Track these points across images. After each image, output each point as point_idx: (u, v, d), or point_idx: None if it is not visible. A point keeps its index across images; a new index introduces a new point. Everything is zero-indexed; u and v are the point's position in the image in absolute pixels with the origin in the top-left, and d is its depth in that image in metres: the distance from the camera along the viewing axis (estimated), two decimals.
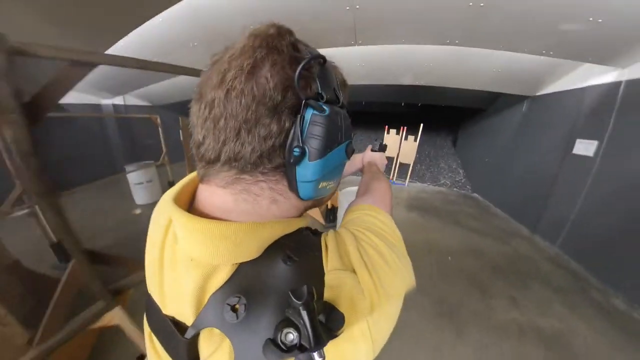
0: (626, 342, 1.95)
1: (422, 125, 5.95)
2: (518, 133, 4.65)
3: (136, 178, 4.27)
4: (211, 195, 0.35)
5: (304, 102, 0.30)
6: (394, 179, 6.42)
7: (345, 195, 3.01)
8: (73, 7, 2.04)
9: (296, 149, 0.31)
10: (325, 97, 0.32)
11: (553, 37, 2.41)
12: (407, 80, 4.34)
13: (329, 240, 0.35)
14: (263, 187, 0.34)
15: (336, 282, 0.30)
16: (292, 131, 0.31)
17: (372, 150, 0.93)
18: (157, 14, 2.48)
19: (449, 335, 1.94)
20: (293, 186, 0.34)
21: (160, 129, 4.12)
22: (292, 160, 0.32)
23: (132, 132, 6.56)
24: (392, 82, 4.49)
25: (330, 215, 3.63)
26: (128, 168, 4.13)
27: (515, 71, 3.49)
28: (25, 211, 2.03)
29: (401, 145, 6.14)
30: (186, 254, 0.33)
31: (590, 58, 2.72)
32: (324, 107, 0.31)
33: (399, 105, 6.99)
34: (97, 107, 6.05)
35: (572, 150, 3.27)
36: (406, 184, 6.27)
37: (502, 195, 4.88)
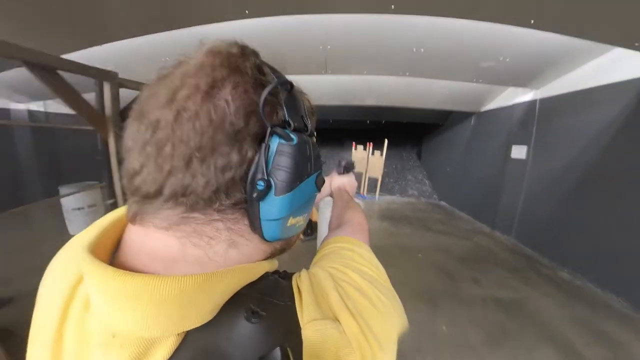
0: (568, 301, 2.43)
1: (386, 140, 6.56)
2: (469, 143, 5.39)
3: (74, 203, 3.54)
4: (148, 240, 0.27)
5: (269, 129, 0.26)
6: (365, 194, 6.82)
7: (327, 204, 2.94)
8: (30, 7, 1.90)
9: (260, 182, 0.26)
10: (292, 124, 0.28)
11: (478, 70, 3.09)
12: (370, 101, 4.92)
13: (301, 283, 0.30)
14: (219, 227, 0.28)
15: (317, 337, 0.25)
16: (255, 162, 0.26)
17: (339, 173, 0.85)
18: (121, 39, 2.44)
19: (427, 311, 2.26)
20: (256, 225, 0.28)
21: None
22: (255, 195, 0.26)
23: (65, 146, 5.50)
24: (358, 103, 5.06)
25: (309, 228, 3.48)
26: (63, 190, 3.51)
27: (460, 93, 4.20)
28: None
29: (369, 160, 6.67)
30: (105, 328, 0.25)
31: (511, 83, 3.45)
32: (292, 136, 0.27)
33: (364, 123, 7.60)
34: (4, 112, 4.85)
35: (510, 154, 3.94)
36: (376, 198, 6.72)
37: (464, 200, 5.49)
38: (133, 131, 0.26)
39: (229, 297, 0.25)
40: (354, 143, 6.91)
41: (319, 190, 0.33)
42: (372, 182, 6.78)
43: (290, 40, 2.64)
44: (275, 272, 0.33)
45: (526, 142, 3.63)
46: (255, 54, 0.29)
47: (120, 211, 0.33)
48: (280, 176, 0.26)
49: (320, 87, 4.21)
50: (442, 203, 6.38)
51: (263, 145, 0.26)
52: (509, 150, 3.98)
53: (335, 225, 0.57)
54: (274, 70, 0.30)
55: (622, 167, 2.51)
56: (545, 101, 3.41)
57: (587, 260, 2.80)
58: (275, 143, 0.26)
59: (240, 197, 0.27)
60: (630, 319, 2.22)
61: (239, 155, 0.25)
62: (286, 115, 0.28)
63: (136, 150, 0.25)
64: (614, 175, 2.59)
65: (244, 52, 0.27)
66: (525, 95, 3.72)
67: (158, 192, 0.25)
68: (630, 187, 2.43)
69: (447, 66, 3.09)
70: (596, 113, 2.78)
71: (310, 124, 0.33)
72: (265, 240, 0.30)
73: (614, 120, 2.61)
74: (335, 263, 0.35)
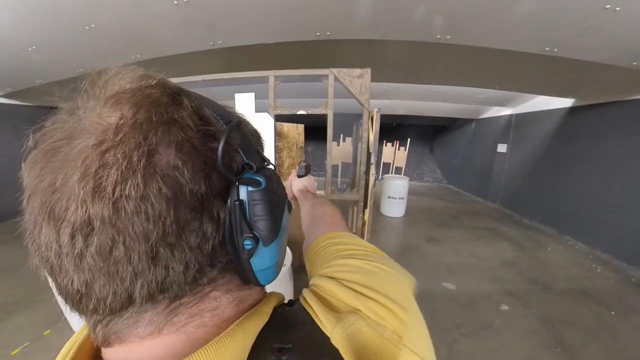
0: (525, 234, 4.49)
1: (409, 139, 8.60)
2: (471, 142, 7.42)
3: None
4: (140, 352, 0.22)
5: (236, 182, 0.22)
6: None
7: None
8: None
9: (247, 242, 0.23)
10: (254, 166, 0.24)
11: (471, 99, 5.12)
12: (401, 111, 6.95)
13: (309, 299, 0.28)
14: (217, 296, 0.24)
15: (347, 336, 0.24)
16: (230, 221, 0.22)
17: (298, 176, 0.84)
18: None
19: (445, 231, 4.38)
20: (251, 279, 0.25)
21: None
22: (245, 256, 0.23)
23: None
24: (391, 112, 7.09)
25: None
26: None
27: (464, 107, 6.22)
28: None
29: (395, 154, 8.72)
30: None
31: (495, 105, 5.47)
32: (258, 179, 0.24)
33: (391, 125, 9.69)
34: None
35: (497, 149, 5.97)
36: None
37: (466, 183, 7.56)
38: (47, 241, 0.19)
39: (250, 348, 0.22)
40: (384, 141, 8.96)
41: (290, 211, 0.31)
42: (398, 170, 8.87)
43: None
44: (282, 304, 0.30)
45: (507, 142, 5.68)
46: (186, 92, 0.23)
47: (77, 339, 0.25)
48: (263, 226, 0.24)
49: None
50: (450, 186, 8.45)
51: (233, 202, 0.22)
52: (496, 146, 6.02)
53: (309, 224, 0.58)
54: (214, 108, 0.25)
55: (558, 154, 4.54)
56: (518, 116, 5.46)
57: (536, 211, 4.87)
58: (244, 193, 0.23)
59: (226, 259, 0.24)
60: (553, 238, 4.28)
61: (211, 223, 0.22)
62: (244, 158, 0.24)
63: (67, 267, 0.19)
64: (554, 160, 4.61)
65: (174, 97, 0.21)
66: (506, 111, 5.76)
67: (126, 303, 0.20)
68: (562, 168, 4.46)
69: (448, 97, 5.14)
70: (544, 124, 4.80)
71: (262, 149, 0.29)
72: (263, 285, 0.28)
73: (552, 128, 4.63)
74: (325, 265, 0.35)
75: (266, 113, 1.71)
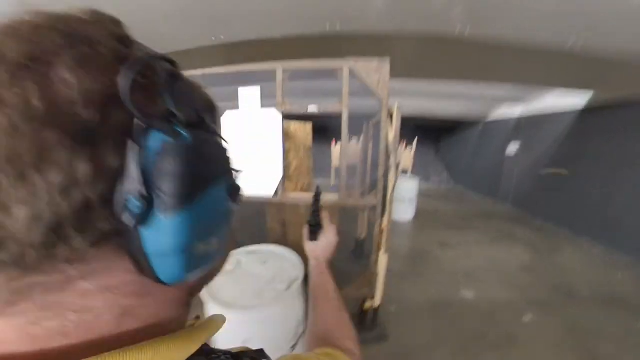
0: (539, 236, 4.31)
1: (416, 138, 8.48)
2: (479, 142, 7.25)
3: None
4: None
5: (144, 124, 0.17)
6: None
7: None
8: None
9: (133, 200, 0.16)
10: (182, 118, 0.19)
11: (480, 98, 4.98)
12: (407, 111, 6.83)
13: None
14: (87, 291, 0.17)
15: None
16: (125, 172, 0.16)
17: (311, 236, 0.63)
18: None
19: (462, 228, 4.23)
20: (144, 266, 0.18)
21: None
22: (132, 221, 0.16)
23: None
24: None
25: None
26: None
27: (472, 107, 6.07)
28: None
29: (403, 154, 8.60)
30: None
31: (505, 101, 5.33)
32: (181, 132, 0.18)
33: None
34: None
35: (506, 150, 5.81)
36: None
37: (474, 183, 7.38)
38: None
39: None
40: None
41: (235, 201, 0.24)
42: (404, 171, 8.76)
43: None
44: (226, 352, 0.21)
45: (517, 142, 5.53)
46: (116, 22, 0.19)
47: None
48: (167, 187, 0.17)
49: None
50: (457, 186, 8.29)
51: (134, 148, 0.16)
52: (505, 147, 5.86)
53: (320, 325, 0.48)
54: (147, 48, 0.20)
55: (573, 154, 4.37)
56: (528, 116, 5.31)
57: (550, 212, 4.69)
58: (157, 142, 0.17)
59: (107, 229, 0.16)
60: (569, 240, 4.11)
61: (90, 165, 0.15)
62: (171, 105, 0.19)
63: None
64: (569, 160, 4.45)
65: (97, 17, 0.18)
66: (515, 112, 5.61)
67: None
68: (577, 168, 4.29)
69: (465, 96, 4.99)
70: (556, 125, 4.65)
71: (212, 121, 0.23)
72: (166, 284, 0.18)
73: (565, 128, 4.47)
74: None
75: (273, 108, 1.57)
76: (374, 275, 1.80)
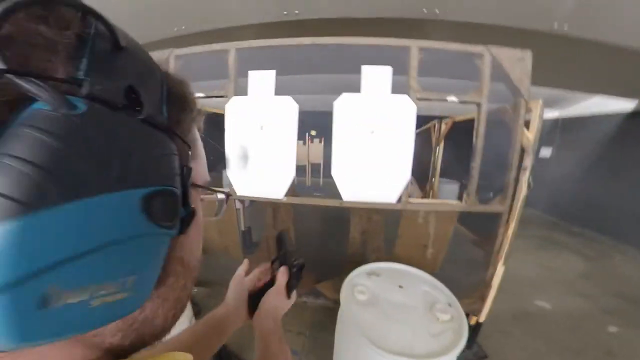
0: (582, 242, 4.20)
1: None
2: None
3: None
4: None
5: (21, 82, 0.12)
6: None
7: None
8: None
9: None
10: (89, 88, 0.14)
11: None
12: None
13: None
14: None
15: None
16: None
17: (287, 290, 0.50)
18: None
19: None
20: None
21: None
22: None
23: None
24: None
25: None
26: None
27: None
28: None
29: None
30: None
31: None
32: (74, 102, 0.14)
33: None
34: None
35: (539, 154, 5.73)
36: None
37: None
38: None
39: None
40: None
41: (164, 225, 0.17)
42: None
43: None
44: None
45: (551, 146, 5.44)
46: None
47: None
48: (12, 174, 0.11)
49: None
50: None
51: None
52: (538, 151, 5.78)
53: None
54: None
55: (617, 160, 4.29)
56: (566, 119, 5.22)
57: (589, 219, 4.62)
58: (28, 112, 0.12)
59: None
60: (612, 247, 4.03)
61: None
62: (79, 70, 0.14)
63: None
64: (613, 166, 4.36)
65: None
66: (551, 114, 5.53)
67: None
68: (623, 174, 4.21)
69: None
70: (598, 128, 4.57)
71: (176, 121, 0.19)
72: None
73: (609, 132, 4.39)
74: None
75: (405, 95, 1.35)
76: (488, 289, 1.63)
